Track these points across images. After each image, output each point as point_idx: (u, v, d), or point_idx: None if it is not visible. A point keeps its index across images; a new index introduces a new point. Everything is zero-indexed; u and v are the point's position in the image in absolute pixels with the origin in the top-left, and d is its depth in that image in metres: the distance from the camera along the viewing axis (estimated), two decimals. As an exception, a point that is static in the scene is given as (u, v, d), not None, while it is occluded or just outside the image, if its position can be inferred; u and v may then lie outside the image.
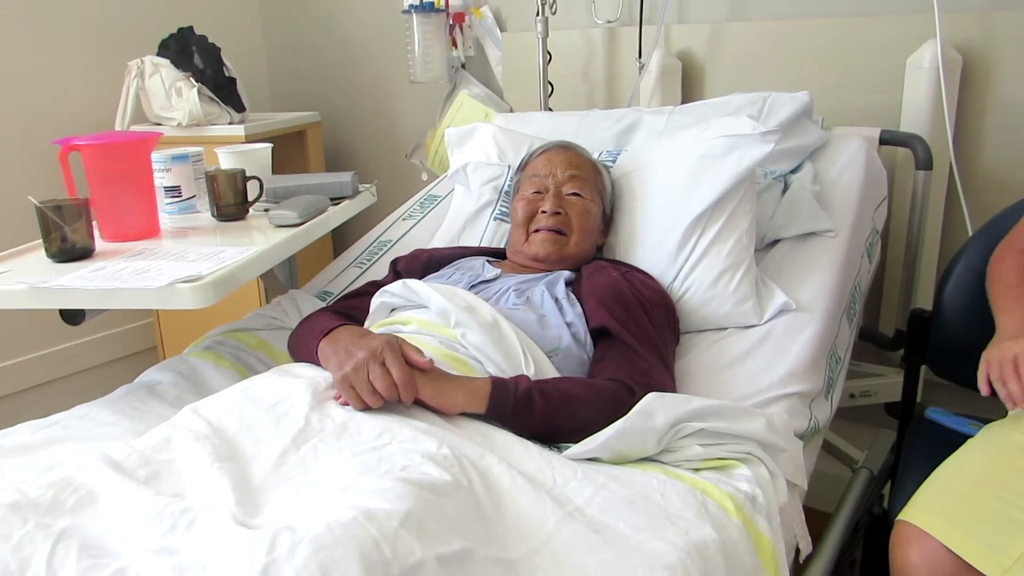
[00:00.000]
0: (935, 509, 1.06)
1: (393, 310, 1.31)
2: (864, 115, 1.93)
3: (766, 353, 1.30)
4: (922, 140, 1.77)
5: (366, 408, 1.03)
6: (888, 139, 1.82)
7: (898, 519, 1.09)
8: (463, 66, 2.60)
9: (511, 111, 2.39)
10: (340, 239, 2.60)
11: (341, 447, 0.94)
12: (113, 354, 2.69)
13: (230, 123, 2.55)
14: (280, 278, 1.86)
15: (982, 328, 1.38)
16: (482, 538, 0.82)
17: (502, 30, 2.55)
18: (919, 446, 1.41)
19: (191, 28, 2.56)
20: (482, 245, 1.68)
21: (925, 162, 1.76)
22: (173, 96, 2.49)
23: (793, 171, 1.65)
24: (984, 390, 1.16)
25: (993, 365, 1.14)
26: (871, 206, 1.65)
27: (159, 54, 2.53)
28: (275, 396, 1.05)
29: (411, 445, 0.93)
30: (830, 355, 1.35)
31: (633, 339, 1.21)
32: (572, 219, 1.43)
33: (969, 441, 1.20)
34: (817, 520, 1.29)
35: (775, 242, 1.56)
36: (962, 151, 1.86)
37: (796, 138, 1.66)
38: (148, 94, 2.52)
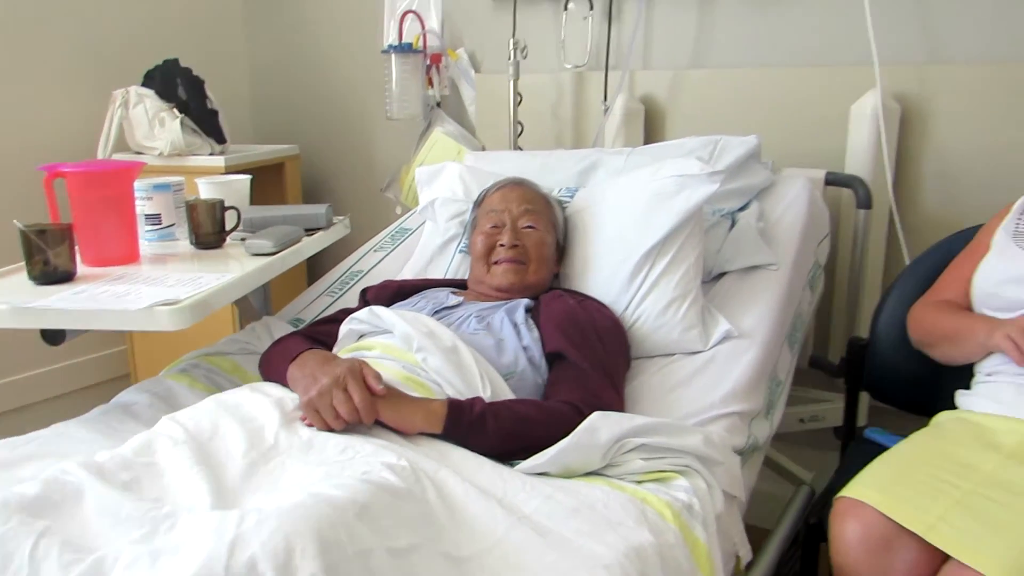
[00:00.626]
0: (869, 483, 1.17)
1: (361, 336, 1.39)
2: (812, 158, 2.05)
3: (710, 376, 1.39)
4: (862, 181, 1.90)
5: (330, 430, 1.11)
6: (832, 180, 1.94)
7: (836, 497, 1.18)
8: (438, 104, 2.70)
9: (483, 149, 2.50)
10: (314, 268, 2.67)
11: (308, 460, 1.02)
12: (87, 380, 2.73)
13: (211, 154, 2.63)
14: (254, 305, 1.93)
15: (911, 354, 1.50)
16: (433, 537, 0.90)
17: (476, 72, 2.67)
18: (856, 462, 1.50)
19: (176, 60, 2.65)
20: (448, 276, 1.77)
21: (865, 201, 1.89)
22: (156, 126, 2.57)
23: (741, 209, 1.75)
24: (1019, 359, 1.24)
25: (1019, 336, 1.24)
26: (813, 242, 1.76)
27: (144, 84, 2.61)
28: (247, 412, 1.12)
29: (373, 458, 1.01)
30: (770, 378, 1.44)
31: (586, 363, 1.30)
32: (529, 249, 1.53)
33: (901, 441, 1.31)
34: (765, 537, 1.39)
35: (722, 275, 1.67)
36: (901, 192, 1.98)
37: (744, 178, 1.77)
38: (131, 123, 2.60)
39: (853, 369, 1.67)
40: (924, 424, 1.37)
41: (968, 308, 1.42)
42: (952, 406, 1.38)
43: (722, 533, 1.12)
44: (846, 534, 1.13)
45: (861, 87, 1.97)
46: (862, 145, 1.97)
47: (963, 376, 1.41)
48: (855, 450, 1.59)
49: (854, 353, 1.66)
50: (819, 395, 2.09)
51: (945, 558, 1.05)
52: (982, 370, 1.35)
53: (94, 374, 2.75)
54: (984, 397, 1.31)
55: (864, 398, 1.86)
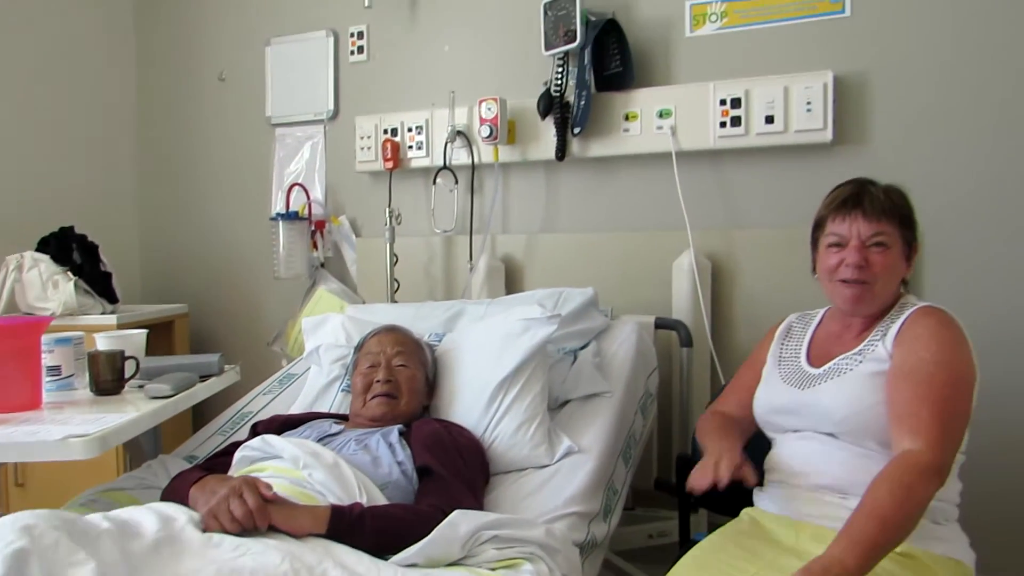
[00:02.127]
0: (681, 573, 1.39)
1: (253, 462, 1.58)
2: (645, 306, 2.43)
3: (555, 485, 1.66)
4: (684, 324, 2.28)
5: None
6: (660, 324, 2.31)
7: None
8: (322, 265, 2.98)
9: (364, 303, 2.77)
10: (200, 413, 2.79)
11: (204, 555, 1.19)
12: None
13: (103, 313, 2.78)
14: (144, 447, 2.06)
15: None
16: None
17: (357, 236, 2.99)
18: (684, 563, 1.75)
19: (72, 228, 2.84)
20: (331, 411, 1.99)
21: (687, 341, 2.25)
22: (49, 288, 2.71)
23: (582, 348, 2.08)
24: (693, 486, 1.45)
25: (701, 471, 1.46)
26: (644, 374, 2.09)
27: (38, 249, 2.77)
28: (156, 508, 1.29)
29: (261, 558, 1.19)
30: (607, 487, 1.71)
31: (449, 475, 1.54)
32: (401, 384, 1.78)
33: (708, 534, 1.55)
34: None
35: (566, 402, 1.96)
36: (716, 331, 2.37)
37: (584, 322, 2.12)
38: (24, 286, 2.72)
39: (681, 482, 1.94)
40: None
41: (747, 416, 1.65)
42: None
43: (563, 611, 1.34)
44: None
45: (679, 248, 2.39)
46: (683, 295, 2.37)
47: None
48: (685, 552, 1.84)
49: (681, 467, 1.93)
50: (666, 514, 2.36)
51: None
52: (768, 471, 1.59)
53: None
54: (767, 499, 1.55)
55: (704, 512, 2.14)
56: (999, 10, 2.13)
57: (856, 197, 1.47)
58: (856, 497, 1.29)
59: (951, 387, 1.35)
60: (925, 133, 2.21)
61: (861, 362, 1.44)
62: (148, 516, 1.24)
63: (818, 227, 1.55)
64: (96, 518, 1.17)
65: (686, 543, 1.97)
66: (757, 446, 1.61)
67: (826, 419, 1.44)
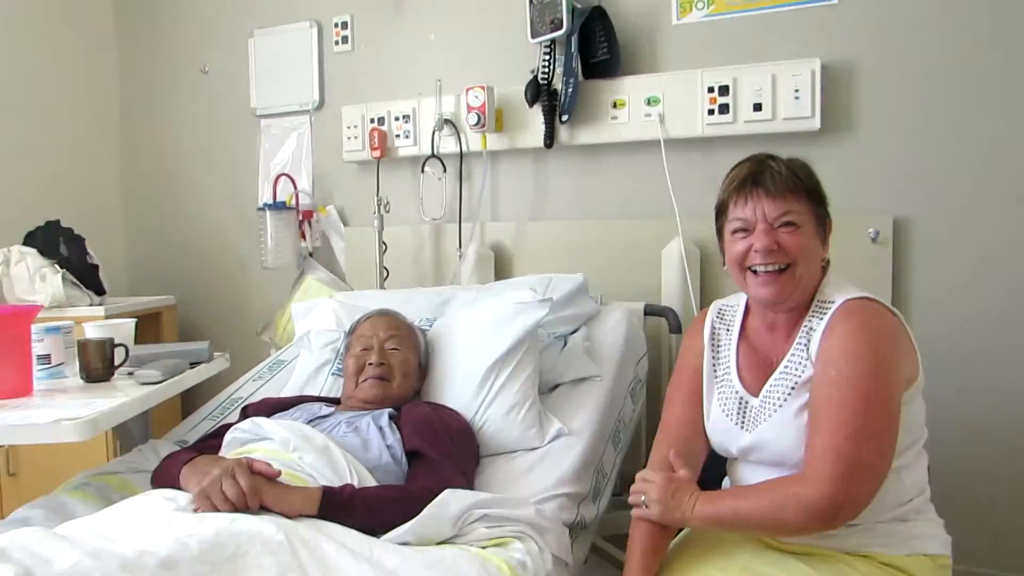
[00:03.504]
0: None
1: (243, 444, 1.59)
2: (635, 292, 2.44)
3: (545, 466, 1.67)
4: (673, 311, 2.29)
5: None
6: (649, 311, 2.33)
7: None
8: (311, 255, 2.99)
9: (352, 291, 2.77)
10: (189, 400, 2.79)
11: (200, 529, 1.19)
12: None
13: (90, 305, 2.78)
14: (134, 433, 2.06)
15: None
16: None
17: (345, 225, 2.99)
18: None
19: (58, 221, 2.83)
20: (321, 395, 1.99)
21: (676, 327, 2.27)
22: (37, 281, 2.71)
23: (572, 333, 2.09)
24: None
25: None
26: (632, 360, 2.11)
27: (25, 243, 2.76)
28: (143, 506, 1.29)
29: (255, 528, 1.20)
30: (596, 469, 1.73)
31: (439, 457, 1.55)
32: (394, 367, 1.79)
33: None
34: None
35: (556, 386, 1.97)
36: (704, 318, 2.38)
37: (574, 308, 2.12)
38: (12, 279, 2.72)
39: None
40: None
41: (696, 450, 1.47)
42: None
43: (552, 592, 1.36)
44: None
45: (668, 235, 2.41)
46: (672, 282, 2.39)
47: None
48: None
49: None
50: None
51: None
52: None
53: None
54: None
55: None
56: (986, -2, 2.15)
57: (756, 175, 1.34)
58: None
59: (859, 405, 1.23)
60: (913, 121, 2.23)
61: (793, 388, 1.32)
62: (133, 519, 1.23)
63: (720, 213, 1.42)
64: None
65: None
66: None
67: (779, 456, 1.35)
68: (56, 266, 2.73)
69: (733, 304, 1.52)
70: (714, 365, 1.47)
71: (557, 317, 2.02)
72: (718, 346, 1.48)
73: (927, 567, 1.32)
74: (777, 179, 1.33)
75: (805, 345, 1.33)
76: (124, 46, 3.41)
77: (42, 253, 2.74)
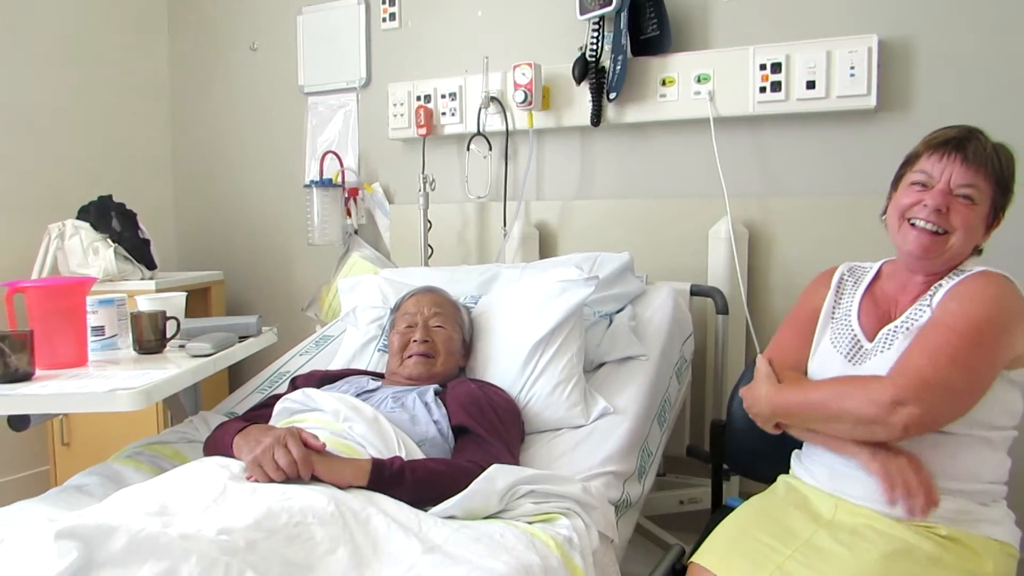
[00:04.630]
0: (712, 550, 1.39)
1: (293, 414, 1.61)
2: (681, 272, 2.42)
3: (590, 445, 1.66)
4: (720, 291, 2.26)
5: (272, 483, 1.31)
6: (696, 291, 2.30)
7: (689, 562, 1.42)
8: (356, 232, 3.00)
9: (397, 268, 2.78)
10: (236, 374, 2.85)
11: (252, 500, 1.22)
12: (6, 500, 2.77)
13: (141, 279, 2.83)
14: (184, 404, 2.10)
15: (758, 430, 1.76)
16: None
17: (390, 203, 3.00)
18: (715, 527, 1.75)
19: (110, 196, 2.89)
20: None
21: (723, 308, 2.24)
22: (90, 255, 2.77)
23: (618, 311, 2.08)
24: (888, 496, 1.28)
25: (896, 477, 1.28)
26: (679, 340, 2.09)
27: (79, 218, 2.83)
28: (198, 473, 1.32)
29: (308, 500, 1.22)
30: (642, 448, 1.72)
31: (485, 433, 1.55)
32: (438, 344, 1.79)
33: (743, 503, 1.56)
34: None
35: (601, 364, 1.96)
36: (752, 299, 2.36)
37: (620, 287, 2.11)
38: (66, 253, 2.78)
39: (715, 447, 1.94)
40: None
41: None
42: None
43: (598, 567, 1.35)
44: None
45: (716, 215, 2.37)
46: (719, 262, 2.36)
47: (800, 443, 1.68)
48: (717, 517, 1.84)
49: (715, 433, 1.93)
50: (697, 481, 2.37)
51: None
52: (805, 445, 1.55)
53: (15, 496, 2.79)
54: (805, 469, 1.50)
55: (736, 479, 2.14)
56: (1050, -29, 2.07)
57: (961, 141, 1.35)
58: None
59: (965, 337, 1.25)
60: (971, 100, 2.16)
61: (907, 330, 1.36)
62: (187, 492, 1.25)
63: (907, 163, 1.43)
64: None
65: (718, 509, 1.98)
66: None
67: None
68: (109, 240, 2.79)
69: (866, 266, 1.54)
70: (834, 308, 1.51)
71: (602, 296, 2.00)
72: (842, 294, 1.52)
73: (995, 551, 1.30)
74: (979, 152, 1.34)
75: (930, 297, 1.36)
76: (174, 23, 3.45)
77: (95, 227, 2.80)
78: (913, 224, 1.36)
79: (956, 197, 1.33)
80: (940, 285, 1.37)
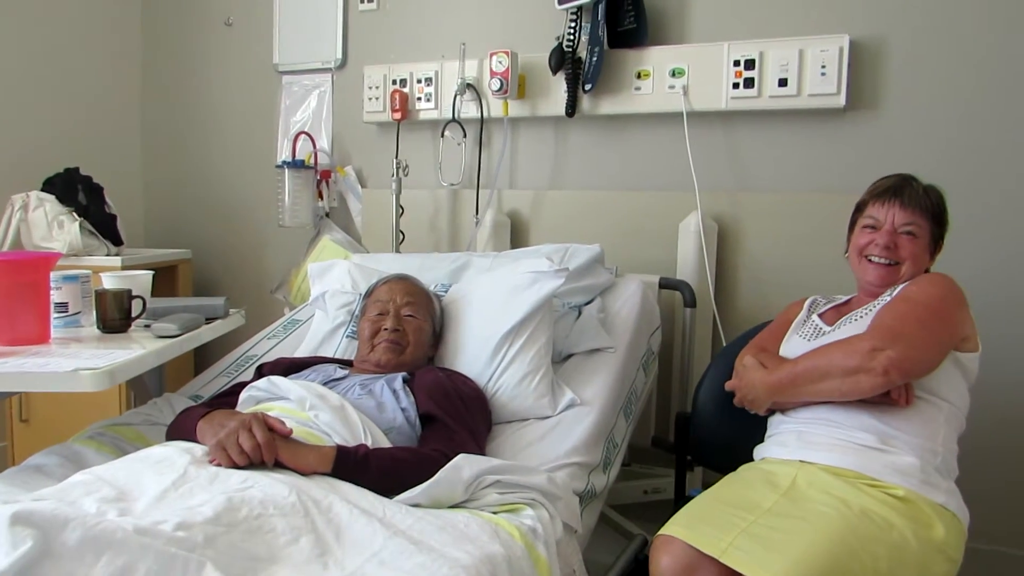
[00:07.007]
0: (678, 521, 1.41)
1: (259, 402, 1.60)
2: (651, 265, 2.44)
3: (556, 435, 1.68)
4: (688, 285, 2.28)
5: (235, 467, 1.30)
6: (664, 284, 2.32)
7: (656, 534, 1.44)
8: (327, 215, 2.98)
9: (368, 254, 2.77)
10: (201, 356, 2.81)
11: (212, 489, 1.21)
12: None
13: (107, 255, 2.79)
14: (148, 386, 2.08)
15: (723, 422, 1.80)
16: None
17: (363, 187, 2.98)
18: (678, 516, 1.78)
19: (77, 169, 2.83)
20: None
21: (691, 301, 2.26)
22: (55, 228, 2.71)
23: (587, 303, 2.09)
24: None
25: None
26: (646, 332, 2.11)
27: (44, 189, 2.76)
28: (159, 456, 1.31)
29: (269, 489, 1.21)
30: (607, 440, 1.73)
31: (452, 421, 1.56)
32: (409, 334, 1.79)
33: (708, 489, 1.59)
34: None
35: (569, 356, 1.98)
36: (720, 293, 2.39)
37: (590, 279, 2.12)
38: (29, 226, 2.72)
39: (679, 439, 1.97)
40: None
41: None
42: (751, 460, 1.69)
43: (562, 557, 1.37)
44: (660, 564, 1.38)
45: (686, 209, 2.39)
46: (688, 256, 2.38)
47: (762, 437, 1.72)
48: (680, 507, 1.87)
49: (680, 425, 1.96)
50: (662, 471, 2.40)
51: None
52: (773, 424, 1.66)
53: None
54: (773, 444, 1.61)
55: (700, 470, 2.17)
56: (1021, -22, 2.11)
57: (898, 188, 1.62)
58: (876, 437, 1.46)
59: (927, 308, 1.49)
60: (940, 101, 2.20)
61: (865, 315, 1.57)
62: (147, 472, 1.25)
63: (858, 210, 1.69)
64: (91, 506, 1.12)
65: (681, 499, 2.01)
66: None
67: None
68: (74, 214, 2.74)
69: (836, 297, 1.78)
70: (804, 319, 1.74)
71: (572, 287, 2.02)
72: (813, 311, 1.76)
73: (948, 520, 1.41)
74: (914, 196, 1.61)
75: (888, 296, 1.59)
76: (147, -6, 3.38)
77: (60, 200, 2.74)
78: (870, 260, 1.62)
79: (901, 234, 1.60)
80: (896, 287, 1.60)
